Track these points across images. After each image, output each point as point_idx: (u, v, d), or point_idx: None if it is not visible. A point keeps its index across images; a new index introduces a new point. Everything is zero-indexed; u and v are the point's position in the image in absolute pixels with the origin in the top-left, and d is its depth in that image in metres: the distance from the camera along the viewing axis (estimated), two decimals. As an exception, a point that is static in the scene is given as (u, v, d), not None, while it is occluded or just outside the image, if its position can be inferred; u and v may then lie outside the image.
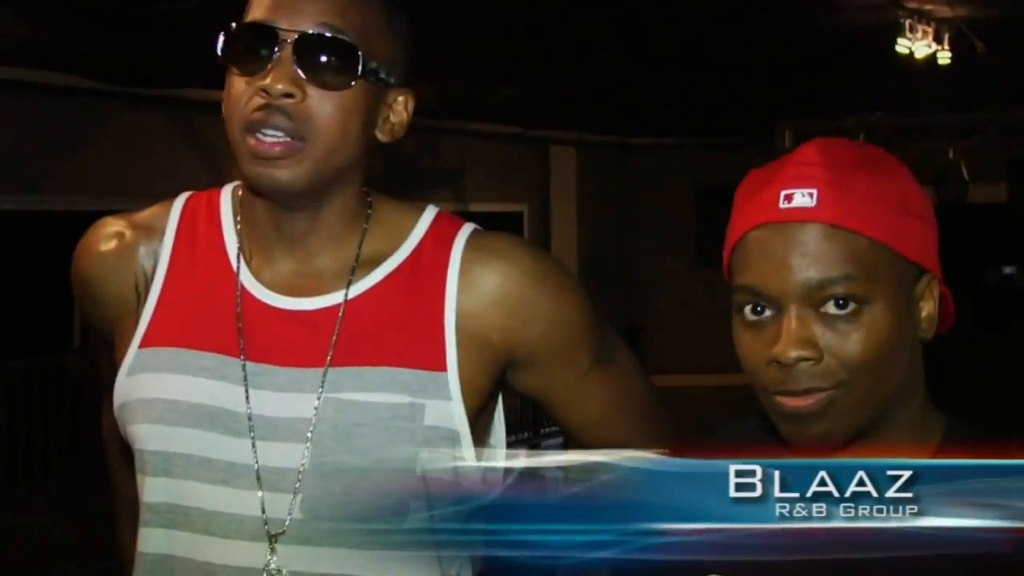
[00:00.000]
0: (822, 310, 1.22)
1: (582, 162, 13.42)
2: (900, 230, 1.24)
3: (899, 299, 1.24)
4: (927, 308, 1.27)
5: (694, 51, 8.06)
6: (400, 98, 1.60)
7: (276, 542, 1.51)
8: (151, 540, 1.56)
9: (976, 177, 10.29)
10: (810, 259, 1.22)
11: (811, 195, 1.22)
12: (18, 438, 8.36)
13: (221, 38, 1.53)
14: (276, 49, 1.49)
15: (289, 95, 1.48)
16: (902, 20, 6.39)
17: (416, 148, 11.35)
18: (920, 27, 6.47)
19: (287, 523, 1.51)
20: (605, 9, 6.71)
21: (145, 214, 1.66)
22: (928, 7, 6.46)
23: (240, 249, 1.61)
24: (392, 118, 1.59)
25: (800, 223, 1.22)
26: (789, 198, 1.23)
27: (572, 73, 9.04)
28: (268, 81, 1.47)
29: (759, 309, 1.25)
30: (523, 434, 9.50)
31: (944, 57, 6.79)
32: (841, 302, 1.21)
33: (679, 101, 10.61)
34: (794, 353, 1.21)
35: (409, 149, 11.19)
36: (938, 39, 6.67)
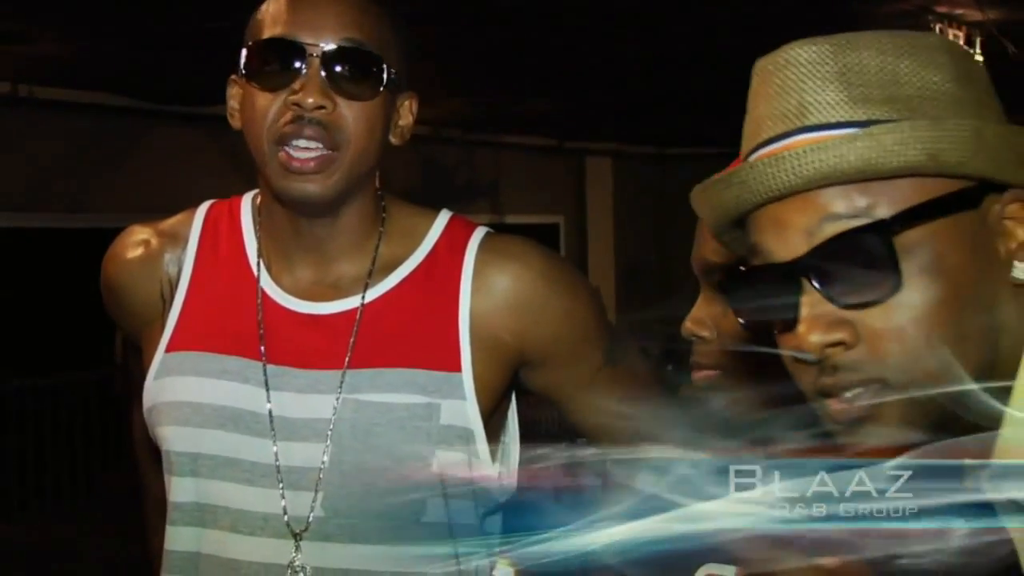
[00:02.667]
0: None
1: (618, 173, 13.43)
2: None
3: None
4: None
5: (729, 60, 8.07)
6: (407, 102, 1.65)
7: (300, 539, 1.56)
8: (179, 538, 1.62)
9: (1014, 182, 10.21)
10: None
11: None
12: (63, 452, 8.48)
13: (243, 54, 1.58)
14: (303, 64, 1.53)
15: (321, 107, 1.53)
16: (932, 24, 6.38)
17: (452, 161, 11.41)
18: (951, 31, 6.45)
19: (309, 520, 1.56)
20: (641, 20, 6.74)
21: (170, 222, 1.72)
22: (958, 11, 6.44)
23: (260, 255, 1.66)
24: (401, 121, 1.65)
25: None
26: None
27: (608, 84, 9.06)
28: (300, 95, 1.52)
29: None
30: (559, 446, 9.48)
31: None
32: None
33: (715, 111, 10.61)
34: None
35: (446, 162, 11.25)
36: (969, 43, 6.65)
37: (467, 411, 1.58)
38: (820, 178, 0.93)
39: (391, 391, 1.56)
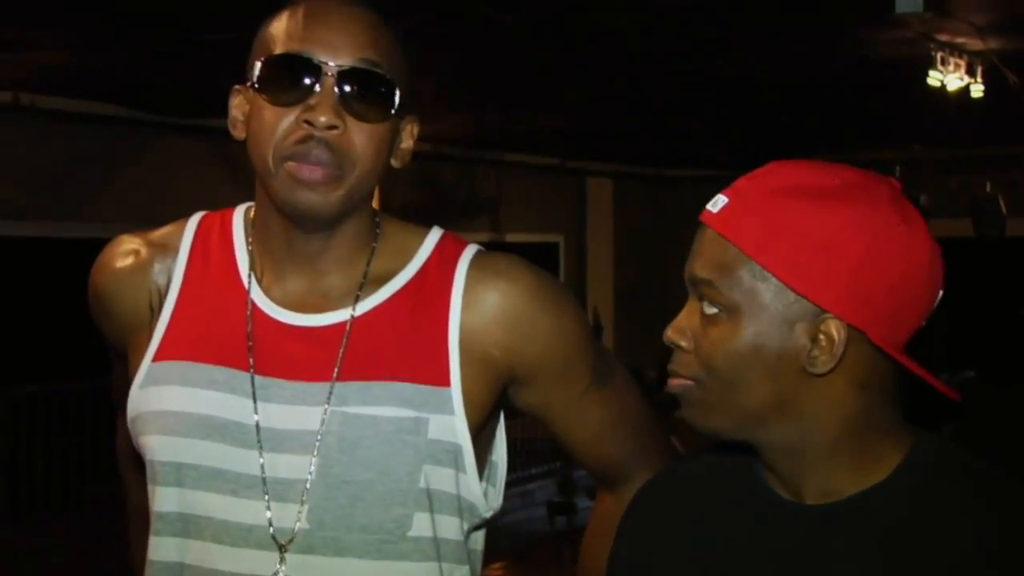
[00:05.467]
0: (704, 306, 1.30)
1: (619, 193, 13.46)
2: (791, 260, 1.24)
3: (772, 323, 1.25)
4: (819, 347, 1.24)
5: (731, 84, 8.10)
6: (409, 125, 1.65)
7: (285, 551, 1.54)
8: (162, 548, 1.60)
9: (1014, 211, 10.19)
10: (695, 257, 1.31)
11: (720, 202, 1.31)
12: (55, 462, 8.46)
13: (256, 67, 1.57)
14: (317, 82, 1.53)
15: (334, 127, 1.52)
16: (934, 53, 6.39)
17: (454, 179, 11.43)
18: (952, 60, 6.46)
19: (294, 532, 1.55)
20: (644, 42, 6.76)
21: (160, 232, 1.71)
22: (960, 40, 6.46)
23: (251, 267, 1.65)
24: (402, 144, 1.65)
25: (704, 224, 1.31)
26: (716, 201, 1.31)
27: (610, 104, 9.09)
28: (313, 113, 1.52)
29: None
30: (554, 464, 9.51)
31: (977, 90, 6.79)
32: (708, 303, 1.28)
33: (716, 133, 10.65)
34: (667, 334, 1.32)
35: (447, 180, 11.26)
36: (971, 72, 6.67)
37: (455, 426, 1.57)
38: None
39: (379, 404, 1.55)
